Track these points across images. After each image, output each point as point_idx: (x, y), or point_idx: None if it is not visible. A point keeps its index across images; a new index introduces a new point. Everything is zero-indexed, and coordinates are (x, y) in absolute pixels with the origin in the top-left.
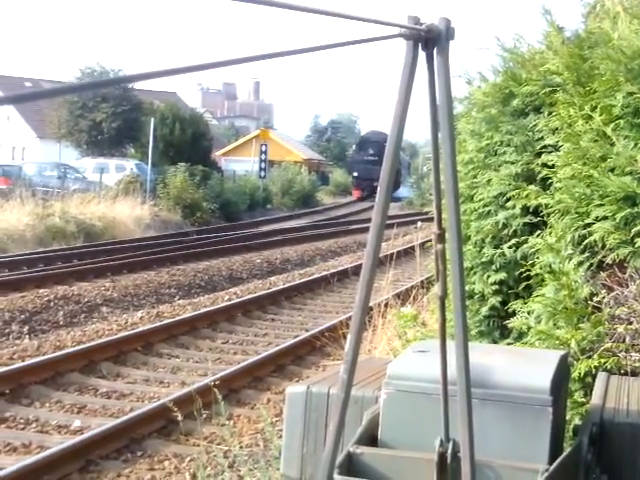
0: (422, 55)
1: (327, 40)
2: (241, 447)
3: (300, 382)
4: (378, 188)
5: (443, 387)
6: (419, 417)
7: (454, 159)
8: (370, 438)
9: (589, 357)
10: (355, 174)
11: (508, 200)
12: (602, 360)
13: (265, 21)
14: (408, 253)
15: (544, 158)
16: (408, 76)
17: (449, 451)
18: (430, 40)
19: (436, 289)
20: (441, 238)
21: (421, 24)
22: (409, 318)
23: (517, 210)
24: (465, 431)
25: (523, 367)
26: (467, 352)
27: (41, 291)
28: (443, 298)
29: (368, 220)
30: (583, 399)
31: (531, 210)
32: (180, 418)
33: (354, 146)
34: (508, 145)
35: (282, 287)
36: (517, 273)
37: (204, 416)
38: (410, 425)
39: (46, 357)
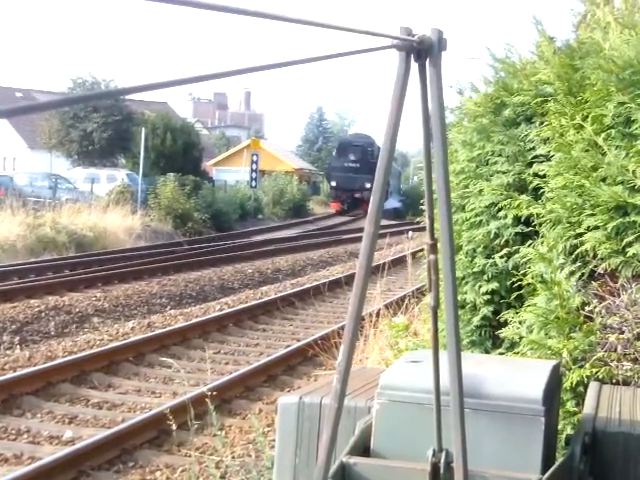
0: (414, 66)
1: (320, 51)
2: (233, 457)
3: (292, 392)
4: (371, 197)
5: (436, 397)
6: (412, 427)
7: (447, 169)
8: (363, 448)
9: (581, 367)
10: (333, 184)
11: (500, 210)
12: (594, 369)
13: (259, 32)
14: (399, 263)
15: (536, 168)
16: (401, 87)
17: (442, 461)
18: (422, 51)
19: (428, 299)
20: (434, 248)
21: (413, 35)
22: (401, 328)
23: (509, 220)
24: (458, 441)
25: (515, 377)
26: (460, 362)
27: (32, 301)
28: (436, 308)
29: (359, 230)
30: (575, 409)
31: (523, 220)
32: (174, 427)
33: (334, 152)
34: (500, 155)
35: (273, 297)
36: (509, 283)
37: (196, 426)
38: (403, 435)
39: (37, 367)
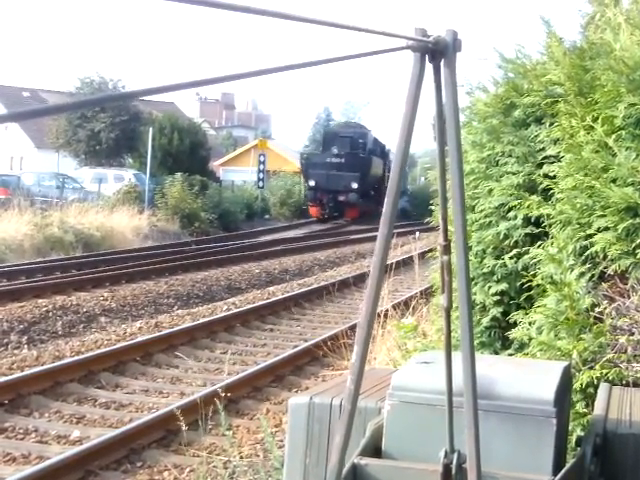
0: (429, 67)
1: (332, 52)
2: (241, 457)
3: (302, 393)
4: (385, 199)
5: (448, 398)
6: (423, 428)
7: (461, 170)
8: (374, 449)
9: (591, 368)
10: (311, 183)
11: (509, 211)
12: (604, 371)
13: (271, 32)
14: (406, 263)
15: (546, 169)
16: (415, 87)
17: (454, 462)
18: (437, 52)
19: (440, 300)
20: (447, 249)
21: (428, 36)
22: (409, 329)
23: (518, 221)
24: (472, 443)
25: (527, 378)
26: (474, 363)
27: (40, 301)
28: (449, 309)
29: (366, 230)
30: (585, 410)
31: (532, 221)
32: (184, 427)
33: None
34: (510, 156)
35: (281, 297)
36: (518, 284)
37: (203, 426)
38: (414, 436)
39: (45, 367)
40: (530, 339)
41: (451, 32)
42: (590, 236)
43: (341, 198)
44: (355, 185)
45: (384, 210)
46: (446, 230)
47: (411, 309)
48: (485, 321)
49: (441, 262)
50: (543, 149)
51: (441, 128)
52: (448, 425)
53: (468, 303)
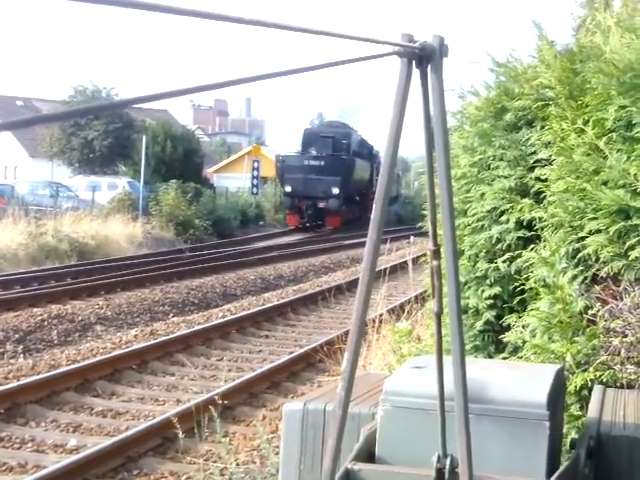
0: (416, 72)
1: (322, 58)
2: (237, 464)
3: (297, 399)
4: (374, 205)
5: (440, 403)
6: (416, 433)
7: (449, 175)
8: (367, 454)
9: (585, 370)
10: (287, 189)
11: (502, 214)
12: (598, 373)
13: (261, 39)
14: (401, 268)
15: (537, 172)
16: (402, 93)
17: (447, 467)
18: (424, 57)
19: (432, 305)
20: (437, 254)
21: (415, 42)
22: (404, 333)
23: (511, 224)
24: (463, 447)
25: (519, 382)
26: (464, 367)
27: (35, 310)
28: (439, 314)
29: (359, 236)
30: (579, 412)
31: (525, 224)
32: (180, 434)
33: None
34: (501, 159)
35: (276, 303)
36: (511, 287)
37: (199, 433)
38: (407, 441)
39: (41, 376)
40: (524, 342)
41: (438, 37)
42: (582, 239)
43: (321, 205)
44: (336, 190)
45: (373, 215)
46: (435, 235)
47: (406, 313)
48: (479, 325)
49: (431, 267)
50: (534, 152)
51: (429, 133)
52: (440, 429)
53: (458, 307)
